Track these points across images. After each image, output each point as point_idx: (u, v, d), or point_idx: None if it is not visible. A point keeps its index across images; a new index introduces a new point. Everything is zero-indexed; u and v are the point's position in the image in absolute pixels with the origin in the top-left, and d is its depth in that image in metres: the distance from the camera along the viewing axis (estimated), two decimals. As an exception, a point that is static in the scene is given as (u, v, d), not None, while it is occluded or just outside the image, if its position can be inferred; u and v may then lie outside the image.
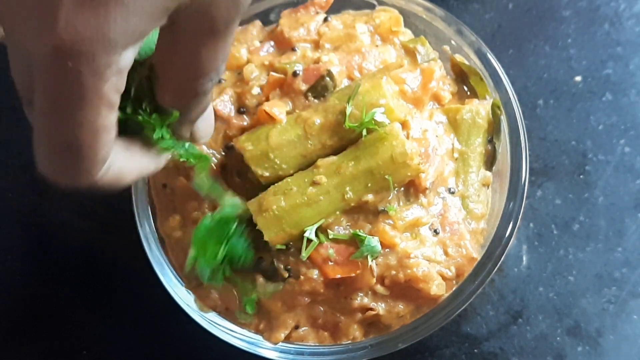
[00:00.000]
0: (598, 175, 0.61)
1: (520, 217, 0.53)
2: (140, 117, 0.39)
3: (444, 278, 0.51)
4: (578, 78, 0.63)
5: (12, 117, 0.68)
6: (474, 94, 0.56)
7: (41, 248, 0.65)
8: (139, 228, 0.56)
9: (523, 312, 0.60)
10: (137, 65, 0.38)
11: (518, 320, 0.60)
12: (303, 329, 0.53)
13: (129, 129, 0.39)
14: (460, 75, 0.57)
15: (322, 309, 0.52)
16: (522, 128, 0.54)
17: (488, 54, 0.56)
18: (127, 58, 0.32)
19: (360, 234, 0.49)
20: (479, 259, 0.52)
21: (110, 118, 0.34)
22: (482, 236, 0.53)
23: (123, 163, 0.38)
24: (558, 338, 0.59)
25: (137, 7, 0.30)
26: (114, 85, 0.32)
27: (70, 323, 0.64)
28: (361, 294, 0.51)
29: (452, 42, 0.57)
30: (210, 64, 0.36)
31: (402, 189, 0.51)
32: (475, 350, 0.60)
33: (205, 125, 0.43)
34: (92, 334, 0.64)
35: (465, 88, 0.57)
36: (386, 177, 0.49)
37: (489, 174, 0.54)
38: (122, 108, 0.37)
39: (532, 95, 0.63)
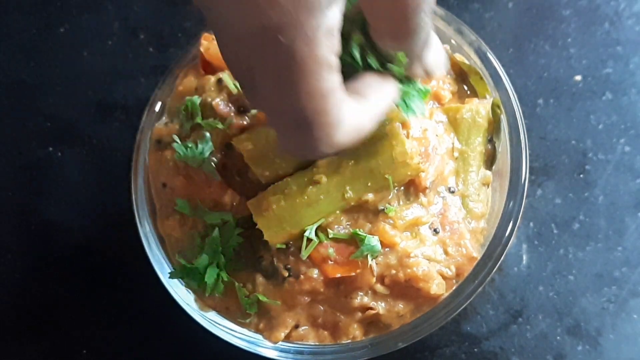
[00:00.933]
0: (598, 174, 0.61)
1: (520, 216, 0.52)
2: (364, 65, 0.39)
3: (444, 277, 0.51)
4: (578, 77, 0.63)
5: (12, 117, 0.68)
6: (474, 93, 0.56)
7: (41, 248, 0.65)
8: (139, 227, 0.56)
9: (523, 311, 0.60)
10: (351, 20, 0.38)
11: (518, 320, 0.60)
12: (303, 328, 0.53)
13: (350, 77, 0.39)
14: (461, 75, 0.57)
15: (322, 308, 0.52)
16: (522, 127, 0.54)
17: (488, 53, 0.56)
18: (333, 17, 0.32)
19: (360, 233, 0.49)
20: (479, 258, 0.52)
21: (333, 79, 0.34)
22: (482, 235, 0.53)
23: (356, 117, 0.38)
24: (558, 337, 0.59)
25: None
26: (328, 47, 0.32)
27: (70, 323, 0.64)
28: (361, 293, 0.51)
29: (452, 41, 0.57)
30: None
31: (402, 188, 0.51)
32: (475, 350, 0.60)
33: (435, 56, 0.43)
34: (92, 334, 0.64)
35: (466, 87, 0.57)
36: (386, 176, 0.49)
37: (489, 173, 0.54)
38: (345, 62, 0.37)
39: (532, 94, 0.63)
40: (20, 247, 0.66)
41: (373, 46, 0.40)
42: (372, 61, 0.40)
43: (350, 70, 0.40)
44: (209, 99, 0.53)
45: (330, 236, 0.49)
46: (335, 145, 0.36)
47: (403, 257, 0.50)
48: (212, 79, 0.55)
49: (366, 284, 0.50)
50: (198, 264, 0.51)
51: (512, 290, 0.60)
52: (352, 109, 0.37)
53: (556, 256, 0.60)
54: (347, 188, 0.49)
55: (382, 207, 0.50)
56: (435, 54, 0.43)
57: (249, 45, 0.32)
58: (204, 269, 0.51)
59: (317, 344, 0.53)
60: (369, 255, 0.49)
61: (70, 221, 0.65)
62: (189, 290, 0.55)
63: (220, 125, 0.53)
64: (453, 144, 0.53)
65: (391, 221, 0.50)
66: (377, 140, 0.48)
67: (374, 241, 0.49)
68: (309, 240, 0.49)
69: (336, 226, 0.50)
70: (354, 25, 0.39)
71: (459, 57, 0.57)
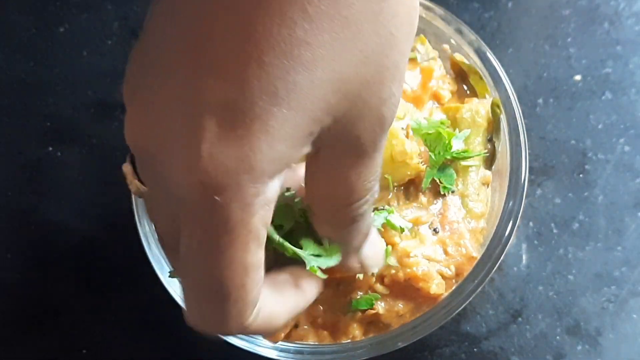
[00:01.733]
0: (598, 174, 0.61)
1: (519, 216, 0.52)
2: (291, 251, 0.38)
3: (443, 277, 0.51)
4: (578, 77, 0.63)
5: (12, 117, 0.68)
6: (474, 93, 0.56)
7: (41, 248, 0.65)
8: (139, 227, 0.56)
9: (523, 311, 0.60)
10: (291, 201, 0.37)
11: (518, 319, 0.60)
12: (303, 327, 0.53)
13: (275, 265, 0.38)
14: (460, 74, 0.57)
15: (321, 307, 0.52)
16: (521, 127, 0.54)
17: (488, 53, 0.55)
18: (273, 188, 0.30)
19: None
20: (478, 258, 0.52)
21: (259, 255, 0.31)
22: (481, 235, 0.53)
23: (273, 305, 0.36)
24: (558, 337, 0.59)
25: (282, 134, 0.29)
26: (262, 218, 0.30)
27: (70, 323, 0.64)
28: (361, 293, 0.51)
29: (452, 41, 0.57)
30: (361, 187, 0.34)
31: (402, 188, 0.51)
32: (475, 349, 0.60)
33: (372, 252, 0.41)
34: (92, 334, 0.63)
35: (465, 87, 0.57)
36: (385, 176, 0.49)
37: (488, 173, 0.54)
38: (269, 244, 0.35)
39: (532, 94, 0.63)
40: (20, 247, 0.66)
41: (307, 231, 0.38)
42: (307, 244, 0.38)
43: (273, 258, 0.38)
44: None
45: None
46: (244, 326, 0.33)
47: (402, 257, 0.50)
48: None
49: (366, 284, 0.50)
50: None
51: (511, 290, 0.60)
52: (268, 296, 0.35)
53: (556, 256, 0.60)
54: None
55: (382, 207, 0.50)
56: (374, 248, 0.42)
57: (182, 199, 0.30)
58: None
59: (317, 343, 0.53)
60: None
61: (70, 221, 0.65)
62: (189, 290, 0.55)
63: None
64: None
65: (391, 221, 0.50)
66: (376, 140, 0.48)
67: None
68: None
69: None
70: (294, 210, 0.39)
71: (458, 56, 0.57)
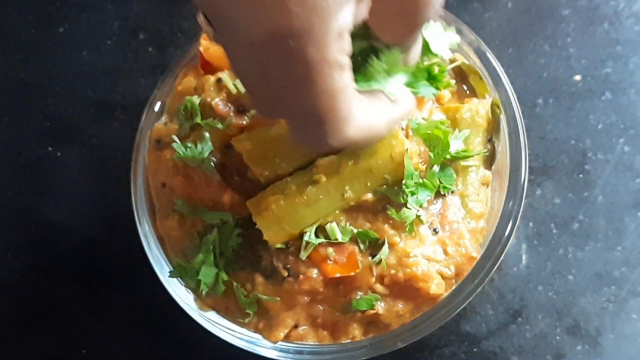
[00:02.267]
0: (597, 174, 0.61)
1: (519, 216, 0.52)
2: (370, 67, 0.41)
3: (443, 277, 0.51)
4: (577, 77, 0.63)
5: (12, 117, 0.69)
6: (474, 93, 0.56)
7: (41, 248, 0.65)
8: (139, 227, 0.56)
9: (522, 311, 0.60)
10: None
11: (517, 319, 0.60)
12: (302, 328, 0.53)
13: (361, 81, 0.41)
14: (460, 74, 0.57)
15: (321, 307, 0.52)
16: (521, 127, 0.54)
17: (487, 53, 0.56)
18: (344, 19, 0.33)
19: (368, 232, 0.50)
20: (478, 258, 0.52)
21: (344, 79, 0.35)
22: (481, 235, 0.53)
23: (368, 115, 0.39)
24: (557, 337, 0.59)
25: None
26: (338, 49, 0.33)
27: (69, 322, 0.64)
28: (361, 293, 0.51)
29: (452, 41, 0.57)
30: None
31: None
32: (475, 349, 0.60)
33: (418, 48, 0.44)
34: (91, 334, 0.64)
35: (465, 87, 0.57)
36: (385, 176, 0.49)
37: (488, 173, 0.54)
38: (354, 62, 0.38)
39: (532, 94, 0.63)
40: (20, 247, 0.66)
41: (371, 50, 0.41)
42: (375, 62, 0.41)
43: (358, 67, 0.41)
44: (209, 99, 0.53)
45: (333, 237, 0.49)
46: (345, 139, 0.38)
47: (402, 257, 0.50)
48: (212, 78, 0.55)
49: (365, 284, 0.50)
50: (196, 263, 0.51)
51: (511, 290, 0.60)
52: (364, 107, 0.39)
53: (555, 256, 0.60)
54: (347, 188, 0.49)
55: (381, 207, 0.50)
56: (419, 45, 0.44)
57: (259, 50, 0.33)
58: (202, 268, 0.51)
59: (317, 343, 0.53)
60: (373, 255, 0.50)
61: (70, 221, 0.66)
62: (189, 290, 0.55)
63: (219, 125, 0.53)
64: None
65: (390, 221, 0.50)
66: (376, 140, 0.49)
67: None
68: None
69: (342, 224, 0.50)
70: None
71: (458, 56, 0.57)
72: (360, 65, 0.42)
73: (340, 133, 0.37)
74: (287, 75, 0.34)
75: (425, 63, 0.49)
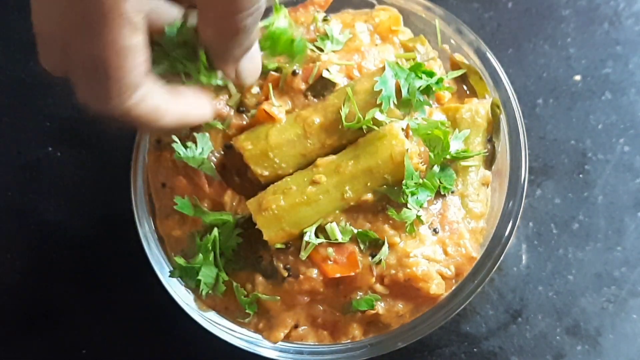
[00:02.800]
0: (597, 174, 0.61)
1: (519, 216, 0.53)
2: (181, 65, 0.41)
3: (443, 277, 0.51)
4: (577, 77, 0.63)
5: (12, 117, 0.68)
6: (474, 93, 0.56)
7: (41, 248, 0.65)
8: (139, 227, 0.56)
9: (522, 311, 0.60)
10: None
11: (517, 320, 0.60)
12: (302, 328, 0.53)
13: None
14: (460, 75, 0.57)
15: (321, 308, 0.52)
16: (521, 127, 0.54)
17: (487, 53, 0.56)
18: None
19: (368, 232, 0.49)
20: (478, 258, 0.52)
21: (135, 40, 0.35)
22: (481, 235, 0.53)
23: (161, 100, 0.39)
24: (557, 337, 0.59)
25: None
26: (134, 5, 0.33)
27: (69, 322, 0.64)
28: (361, 293, 0.51)
29: (452, 41, 0.57)
30: None
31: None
32: (475, 349, 0.60)
33: (251, 65, 0.43)
34: (91, 334, 0.64)
35: (465, 87, 0.57)
36: (385, 176, 0.49)
37: (488, 173, 0.54)
38: (162, 59, 0.40)
39: (532, 94, 0.63)
40: (20, 247, 0.66)
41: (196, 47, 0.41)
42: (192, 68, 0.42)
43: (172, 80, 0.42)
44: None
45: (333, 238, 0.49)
46: (125, 107, 0.37)
47: (402, 257, 0.50)
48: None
49: (365, 284, 0.50)
50: (196, 263, 0.51)
51: (511, 290, 0.60)
52: (158, 91, 0.39)
53: (555, 256, 0.60)
54: (347, 188, 0.49)
55: (382, 207, 0.50)
56: (252, 61, 0.44)
57: None
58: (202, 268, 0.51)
59: (317, 343, 0.53)
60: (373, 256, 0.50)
61: (70, 221, 0.65)
62: (189, 290, 0.55)
63: (219, 125, 0.53)
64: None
65: (390, 221, 0.50)
66: (376, 140, 0.49)
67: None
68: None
69: (341, 224, 0.50)
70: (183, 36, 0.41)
71: (458, 57, 0.57)
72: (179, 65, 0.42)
73: (122, 97, 0.36)
74: (79, 17, 0.34)
75: (420, 61, 0.50)
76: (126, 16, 0.34)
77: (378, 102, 0.49)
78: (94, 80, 0.36)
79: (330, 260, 0.49)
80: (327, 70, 0.52)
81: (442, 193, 0.51)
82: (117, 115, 0.38)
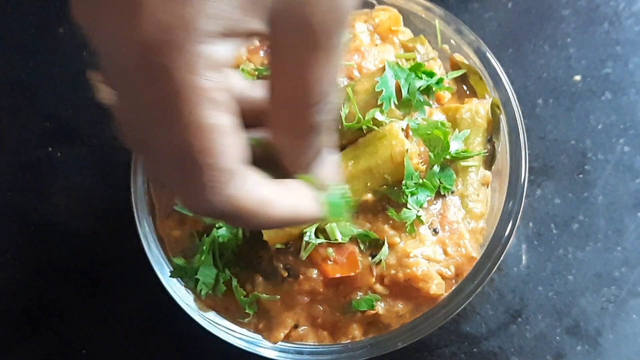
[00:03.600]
0: (597, 174, 0.61)
1: (519, 216, 0.52)
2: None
3: (443, 277, 0.51)
4: (577, 77, 0.63)
5: (12, 117, 0.68)
6: (474, 93, 0.56)
7: (41, 248, 0.65)
8: (139, 227, 0.56)
9: (522, 311, 0.60)
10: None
11: (517, 320, 0.60)
12: (302, 328, 0.53)
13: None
14: (460, 75, 0.57)
15: (321, 308, 0.52)
16: (521, 127, 0.54)
17: (487, 53, 0.55)
18: (221, 51, 0.29)
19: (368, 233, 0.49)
20: (478, 258, 0.52)
21: (220, 119, 0.29)
22: (481, 235, 0.53)
23: (267, 191, 0.33)
24: (557, 337, 0.59)
25: None
26: (213, 81, 0.29)
27: (69, 323, 0.64)
28: (360, 293, 0.51)
29: (452, 41, 0.57)
30: (316, 87, 0.32)
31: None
32: (475, 350, 0.60)
33: (328, 169, 0.38)
34: (91, 334, 0.64)
35: (465, 87, 0.57)
36: (385, 176, 0.49)
37: (488, 173, 0.54)
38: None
39: (532, 94, 0.63)
40: (20, 247, 0.66)
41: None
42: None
43: None
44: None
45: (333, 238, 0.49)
46: (227, 199, 0.31)
47: (402, 257, 0.50)
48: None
49: (365, 284, 0.50)
50: (196, 263, 0.51)
51: (511, 290, 0.60)
52: (265, 182, 0.34)
53: (555, 256, 0.60)
54: (347, 188, 0.49)
55: (381, 207, 0.50)
56: (329, 169, 0.39)
57: (127, 63, 0.29)
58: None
59: (317, 344, 0.53)
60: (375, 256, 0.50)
61: (70, 221, 0.65)
62: (189, 290, 0.55)
63: None
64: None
65: (390, 221, 0.50)
66: (376, 141, 0.49)
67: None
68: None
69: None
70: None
71: (458, 57, 0.57)
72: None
73: (220, 187, 0.30)
74: (151, 100, 0.29)
75: (420, 61, 0.50)
76: (204, 92, 0.29)
77: (379, 102, 0.49)
78: (182, 172, 0.30)
79: (330, 261, 0.49)
80: None
81: (442, 193, 0.51)
82: (218, 210, 0.31)
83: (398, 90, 0.49)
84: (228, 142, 0.30)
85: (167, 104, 0.29)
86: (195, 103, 0.29)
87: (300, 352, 0.53)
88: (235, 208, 0.32)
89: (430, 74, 0.50)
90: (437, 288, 0.51)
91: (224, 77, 0.29)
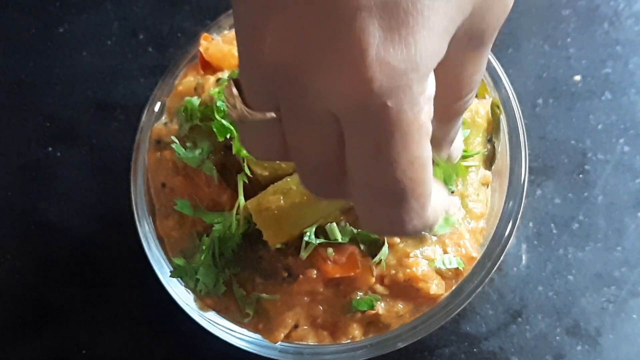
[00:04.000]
0: (597, 174, 0.61)
1: (519, 216, 0.52)
2: None
3: (443, 277, 0.51)
4: (577, 77, 0.63)
5: (12, 117, 0.68)
6: (473, 93, 0.56)
7: (41, 248, 0.65)
8: (138, 227, 0.56)
9: (522, 311, 0.60)
10: None
11: (517, 320, 0.60)
12: (302, 328, 0.53)
13: None
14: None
15: (321, 308, 0.52)
16: (521, 127, 0.54)
17: (487, 53, 0.55)
18: (432, 82, 0.30)
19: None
20: (478, 258, 0.52)
21: (430, 149, 0.31)
22: (481, 235, 0.53)
23: (439, 195, 0.35)
24: (557, 337, 0.59)
25: (439, 26, 0.28)
26: (428, 114, 0.30)
27: (69, 322, 0.64)
28: (360, 293, 0.51)
29: (452, 41, 0.57)
30: (475, 78, 0.34)
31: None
32: (475, 350, 0.60)
33: (457, 143, 0.41)
34: (91, 334, 0.64)
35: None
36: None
37: (488, 173, 0.54)
38: None
39: (532, 94, 0.63)
40: (20, 247, 0.66)
41: None
42: None
43: None
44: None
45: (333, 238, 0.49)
46: (425, 220, 0.33)
47: (402, 257, 0.50)
48: (212, 78, 0.55)
49: (365, 284, 0.50)
50: (196, 263, 0.51)
51: (511, 290, 0.60)
52: (435, 188, 0.35)
53: (555, 256, 0.60)
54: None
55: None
56: (459, 138, 0.42)
57: (348, 112, 0.29)
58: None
59: (317, 344, 0.53)
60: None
61: (70, 221, 0.65)
62: (189, 290, 0.55)
63: None
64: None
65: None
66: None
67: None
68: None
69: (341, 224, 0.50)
70: None
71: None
72: None
73: (424, 211, 0.32)
74: (374, 143, 0.29)
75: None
76: (424, 128, 0.30)
77: None
78: (392, 203, 0.32)
79: (330, 261, 0.49)
80: None
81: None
82: (418, 233, 0.34)
83: None
84: (431, 169, 0.32)
85: (394, 143, 0.29)
86: (419, 139, 0.30)
87: (300, 352, 0.53)
88: (428, 226, 0.34)
89: None
90: (437, 288, 0.51)
91: (432, 103, 0.30)
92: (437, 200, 0.35)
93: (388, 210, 0.32)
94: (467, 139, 0.53)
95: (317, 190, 0.35)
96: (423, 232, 0.35)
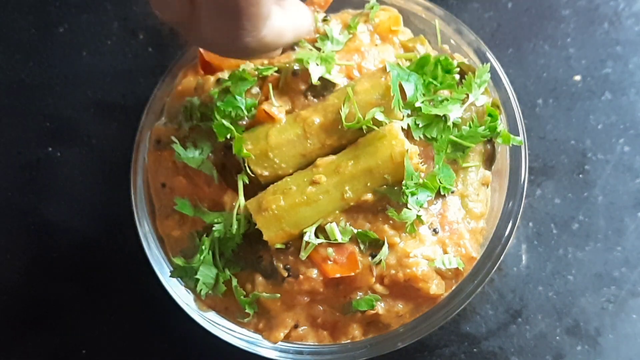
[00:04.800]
0: (597, 174, 0.61)
1: (519, 216, 0.53)
2: None
3: (443, 277, 0.51)
4: (577, 77, 0.63)
5: (12, 117, 0.68)
6: (474, 93, 0.56)
7: (41, 248, 0.65)
8: (139, 227, 0.56)
9: (522, 311, 0.60)
10: None
11: (517, 320, 0.60)
12: (302, 328, 0.53)
13: None
14: (460, 74, 0.57)
15: (321, 308, 0.52)
16: (521, 127, 0.54)
17: (487, 53, 0.56)
18: None
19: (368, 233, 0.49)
20: (478, 258, 0.52)
21: None
22: (481, 235, 0.53)
23: (281, 21, 0.40)
24: (557, 337, 0.59)
25: None
26: None
27: (69, 322, 0.64)
28: (361, 293, 0.51)
29: (452, 41, 0.57)
30: None
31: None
32: (475, 350, 0.60)
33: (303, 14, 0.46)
34: (91, 334, 0.64)
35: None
36: (385, 176, 0.49)
37: (488, 173, 0.54)
38: None
39: (532, 94, 0.63)
40: (20, 247, 0.66)
41: None
42: None
43: None
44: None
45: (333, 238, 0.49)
46: (261, 39, 0.38)
47: (402, 257, 0.50)
48: (212, 79, 0.55)
49: (365, 284, 0.50)
50: (196, 263, 0.51)
51: (511, 290, 0.60)
52: (278, 12, 0.40)
53: (555, 256, 0.60)
54: (347, 188, 0.49)
55: (382, 207, 0.50)
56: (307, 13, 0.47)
57: None
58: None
59: (317, 344, 0.53)
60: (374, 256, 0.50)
61: (70, 221, 0.66)
62: (189, 290, 0.55)
63: None
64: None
65: (390, 221, 0.50)
66: (376, 141, 0.49)
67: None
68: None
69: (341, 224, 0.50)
70: None
71: (458, 56, 0.57)
72: None
73: (258, 31, 0.37)
74: None
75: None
76: None
77: (392, 107, 0.49)
78: (226, 17, 0.36)
79: (330, 260, 0.49)
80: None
81: (442, 193, 0.51)
82: (250, 50, 0.38)
83: (402, 91, 0.49)
84: None
85: None
86: None
87: (300, 352, 0.53)
88: (263, 45, 0.39)
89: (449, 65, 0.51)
90: (437, 288, 0.51)
91: None
92: (283, 25, 0.40)
93: (225, 23, 0.37)
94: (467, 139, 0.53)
95: (161, 12, 0.38)
96: (261, 51, 0.39)
